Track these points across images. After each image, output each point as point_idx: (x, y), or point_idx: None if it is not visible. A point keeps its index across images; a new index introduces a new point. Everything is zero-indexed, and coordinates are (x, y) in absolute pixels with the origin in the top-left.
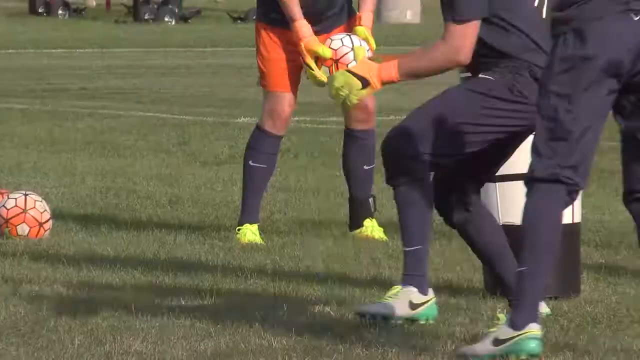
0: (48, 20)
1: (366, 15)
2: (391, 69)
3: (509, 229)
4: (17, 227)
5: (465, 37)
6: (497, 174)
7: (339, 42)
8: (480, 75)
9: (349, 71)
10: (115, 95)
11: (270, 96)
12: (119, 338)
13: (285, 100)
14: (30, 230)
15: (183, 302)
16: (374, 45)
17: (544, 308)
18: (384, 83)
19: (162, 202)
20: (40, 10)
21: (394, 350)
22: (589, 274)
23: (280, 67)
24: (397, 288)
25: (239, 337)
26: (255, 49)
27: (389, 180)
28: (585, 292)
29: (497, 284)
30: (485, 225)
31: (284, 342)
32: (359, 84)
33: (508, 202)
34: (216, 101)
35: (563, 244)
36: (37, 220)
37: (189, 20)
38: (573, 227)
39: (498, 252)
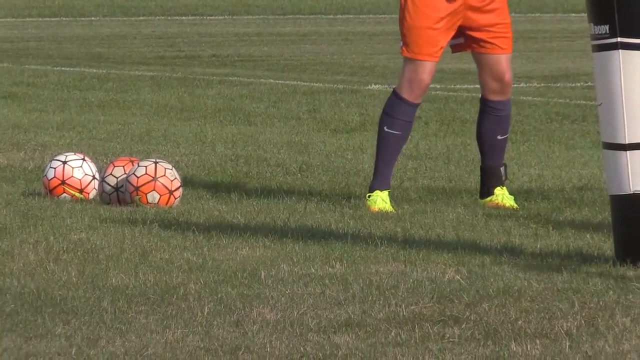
0: None
1: None
2: None
3: (639, 197)
4: (147, 195)
5: None
6: (628, 142)
7: None
8: None
9: None
10: (246, 62)
11: (410, 63)
12: (248, 306)
13: (426, 68)
14: (160, 198)
15: (313, 270)
16: None
17: None
18: None
19: (292, 169)
20: None
21: (530, 317)
22: None
23: (424, 34)
24: None
25: (368, 305)
26: (398, 15)
27: None
28: None
29: (627, 251)
30: None
31: (414, 310)
32: None
33: (639, 170)
34: (346, 68)
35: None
36: (167, 188)
37: None
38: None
39: None
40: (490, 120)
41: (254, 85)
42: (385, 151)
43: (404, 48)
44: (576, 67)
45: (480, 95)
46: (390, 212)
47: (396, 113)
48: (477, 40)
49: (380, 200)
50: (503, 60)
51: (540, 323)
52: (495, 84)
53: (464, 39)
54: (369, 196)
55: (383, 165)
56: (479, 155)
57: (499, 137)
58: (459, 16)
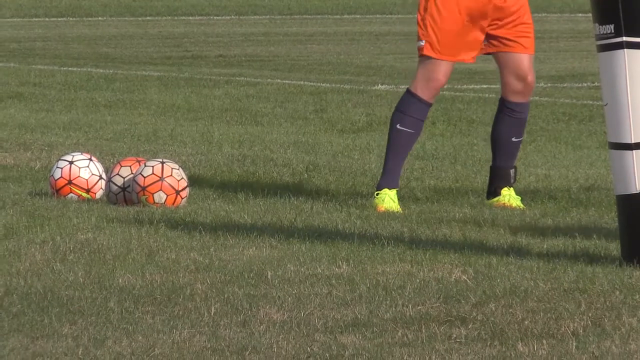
0: None
1: None
2: None
3: None
4: (154, 194)
5: None
6: (634, 142)
7: None
8: None
9: None
10: (253, 62)
11: (427, 62)
12: (255, 306)
13: (442, 68)
14: (167, 198)
15: (319, 270)
16: None
17: None
18: None
19: (299, 169)
20: None
21: (536, 317)
22: None
23: (444, 34)
24: None
25: (375, 305)
26: (417, 15)
27: None
28: None
29: (634, 252)
30: None
31: (420, 310)
32: None
33: None
34: (353, 68)
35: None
36: (173, 188)
37: None
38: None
39: None
40: (507, 121)
41: (260, 85)
42: (396, 149)
43: (423, 46)
44: (583, 67)
45: (500, 96)
46: (397, 211)
47: (409, 111)
48: (501, 39)
49: (389, 199)
50: (526, 60)
51: (546, 323)
52: (518, 83)
53: (487, 39)
54: (377, 194)
55: (393, 163)
56: (491, 155)
57: (513, 139)
58: (486, 16)
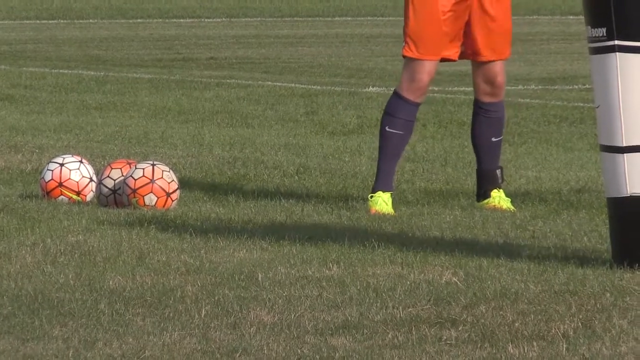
0: None
1: None
2: None
3: (636, 199)
4: (145, 197)
5: None
6: (625, 145)
7: None
8: None
9: None
10: (244, 64)
11: (409, 63)
12: (245, 308)
13: (425, 68)
14: (157, 200)
15: (310, 272)
16: None
17: None
18: None
19: (289, 171)
20: None
21: (527, 319)
22: None
23: (424, 33)
24: None
25: (365, 307)
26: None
27: None
28: None
29: (625, 254)
30: None
31: (411, 312)
32: None
33: (636, 172)
34: (344, 71)
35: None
36: (164, 191)
37: None
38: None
39: None
40: (483, 122)
41: (251, 87)
42: (387, 151)
43: (404, 47)
44: (574, 69)
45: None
46: (390, 214)
47: (397, 112)
48: (474, 48)
49: (382, 201)
50: (497, 64)
51: (537, 325)
52: (486, 86)
53: (464, 47)
54: (371, 197)
55: (385, 165)
56: (475, 158)
57: (493, 140)
58: (464, 12)
